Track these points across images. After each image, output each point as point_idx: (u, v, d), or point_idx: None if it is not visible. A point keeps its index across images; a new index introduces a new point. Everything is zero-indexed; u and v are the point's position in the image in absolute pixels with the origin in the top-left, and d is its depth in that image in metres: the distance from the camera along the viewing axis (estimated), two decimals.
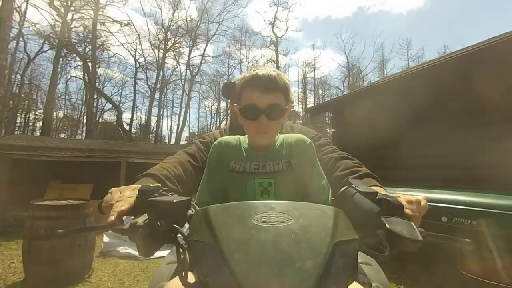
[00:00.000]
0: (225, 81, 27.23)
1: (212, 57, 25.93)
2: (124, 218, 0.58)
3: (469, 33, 35.63)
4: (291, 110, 0.89)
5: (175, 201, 0.53)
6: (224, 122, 27.65)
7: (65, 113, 23.95)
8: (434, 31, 39.99)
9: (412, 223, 0.52)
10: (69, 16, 16.82)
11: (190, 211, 0.57)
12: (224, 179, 0.84)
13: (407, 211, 0.59)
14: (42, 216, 2.91)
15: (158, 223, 0.49)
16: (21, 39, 16.50)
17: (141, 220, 0.51)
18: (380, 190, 0.73)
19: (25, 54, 17.36)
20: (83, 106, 22.47)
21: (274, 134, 0.86)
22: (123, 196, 0.63)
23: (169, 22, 21.64)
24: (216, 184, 0.84)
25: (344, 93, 24.71)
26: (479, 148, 3.38)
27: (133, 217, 0.54)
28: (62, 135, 22.76)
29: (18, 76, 18.07)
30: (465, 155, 3.54)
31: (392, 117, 4.26)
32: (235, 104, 0.87)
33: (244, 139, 0.90)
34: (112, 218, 0.55)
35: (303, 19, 43.71)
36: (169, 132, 27.81)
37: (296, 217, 0.47)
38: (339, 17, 44.17)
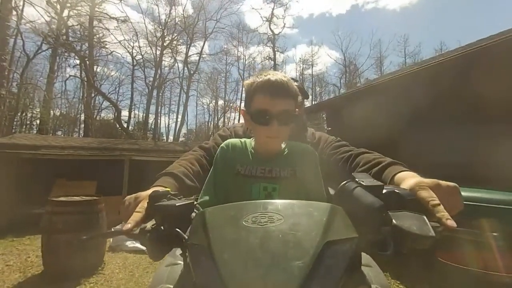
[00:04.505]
0: (223, 78, 27.30)
1: (210, 54, 25.90)
2: None
3: (463, 29, 35.94)
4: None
5: (176, 205, 0.54)
6: (221, 119, 27.75)
7: (62, 111, 23.88)
8: (429, 27, 40.18)
9: (425, 217, 0.46)
10: (65, 13, 16.69)
11: (193, 214, 0.57)
12: (229, 182, 0.85)
13: (423, 195, 0.55)
14: (60, 211, 3.10)
15: (162, 227, 0.51)
16: (19, 37, 16.39)
17: (149, 225, 0.54)
18: (410, 176, 0.70)
19: (24, 53, 17.26)
20: (80, 104, 22.43)
21: (283, 139, 0.87)
22: (138, 203, 0.65)
23: (166, 19, 21.56)
24: (221, 186, 0.85)
25: (341, 90, 24.87)
26: (478, 147, 3.35)
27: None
28: (59, 133, 22.71)
29: (16, 75, 17.96)
30: (464, 154, 3.49)
31: (390, 116, 4.21)
32: (243, 108, 0.89)
33: (250, 143, 0.91)
34: (129, 226, 0.58)
35: (298, 17, 43.89)
36: (167, 129, 27.86)
37: (286, 216, 0.47)
38: (333, 14, 44.45)
